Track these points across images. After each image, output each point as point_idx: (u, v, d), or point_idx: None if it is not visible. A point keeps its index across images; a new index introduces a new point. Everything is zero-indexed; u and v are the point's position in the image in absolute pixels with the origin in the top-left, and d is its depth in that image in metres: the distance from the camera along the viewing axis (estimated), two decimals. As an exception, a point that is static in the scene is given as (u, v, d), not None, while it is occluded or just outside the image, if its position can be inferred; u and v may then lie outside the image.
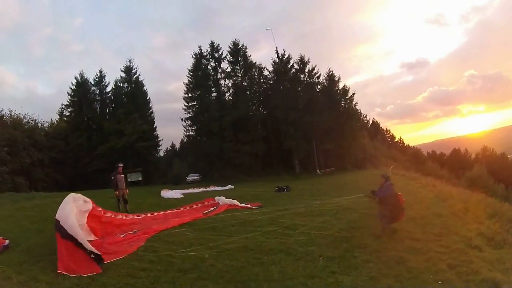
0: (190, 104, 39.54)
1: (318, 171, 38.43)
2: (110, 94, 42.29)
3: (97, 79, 42.46)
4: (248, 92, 39.59)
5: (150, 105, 43.26)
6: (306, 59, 39.44)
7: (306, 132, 37.04)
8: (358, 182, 20.85)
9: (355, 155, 41.80)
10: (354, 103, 42.22)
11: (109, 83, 42.69)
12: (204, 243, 7.25)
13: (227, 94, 40.06)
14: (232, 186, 24.73)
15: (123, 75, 42.06)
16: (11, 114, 34.76)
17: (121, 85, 41.89)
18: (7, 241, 7.63)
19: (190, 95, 39.56)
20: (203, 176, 36.93)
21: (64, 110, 43.90)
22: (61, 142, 38.44)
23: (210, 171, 37.00)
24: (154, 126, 42.65)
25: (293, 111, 36.14)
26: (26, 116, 36.65)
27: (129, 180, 28.94)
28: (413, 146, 75.32)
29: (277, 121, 37.26)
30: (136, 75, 42.42)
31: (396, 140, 72.54)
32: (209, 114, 36.83)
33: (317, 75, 39.76)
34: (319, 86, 40.00)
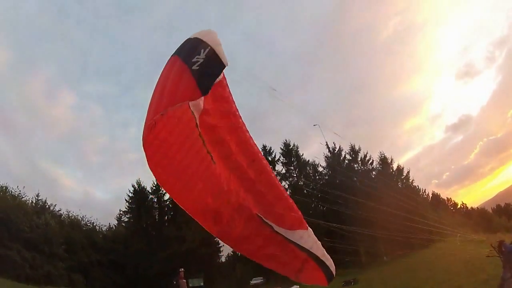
0: (249, 210, 39.66)
1: (384, 257, 36.66)
2: (168, 202, 43.89)
3: (154, 188, 44.33)
4: (305, 191, 39.68)
5: (211, 212, 44.12)
6: (357, 148, 39.85)
7: (368, 220, 35.97)
8: (427, 265, 19.35)
9: (420, 232, 39.73)
10: (410, 180, 41.31)
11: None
12: None
13: (284, 196, 39.97)
14: (298, 287, 23.88)
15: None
16: (69, 215, 36.63)
17: (180, 193, 43.52)
18: None
19: (248, 201, 39.87)
20: (267, 279, 35.90)
21: (123, 216, 45.65)
22: (120, 246, 39.44)
23: (275, 273, 35.91)
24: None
25: (352, 203, 35.50)
26: (84, 219, 38.40)
27: (190, 285, 28.84)
28: (477, 207, 71.25)
29: (337, 214, 36.54)
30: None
31: (459, 206, 69.12)
32: (269, 217, 36.69)
33: (370, 161, 39.73)
34: (374, 172, 39.65)
